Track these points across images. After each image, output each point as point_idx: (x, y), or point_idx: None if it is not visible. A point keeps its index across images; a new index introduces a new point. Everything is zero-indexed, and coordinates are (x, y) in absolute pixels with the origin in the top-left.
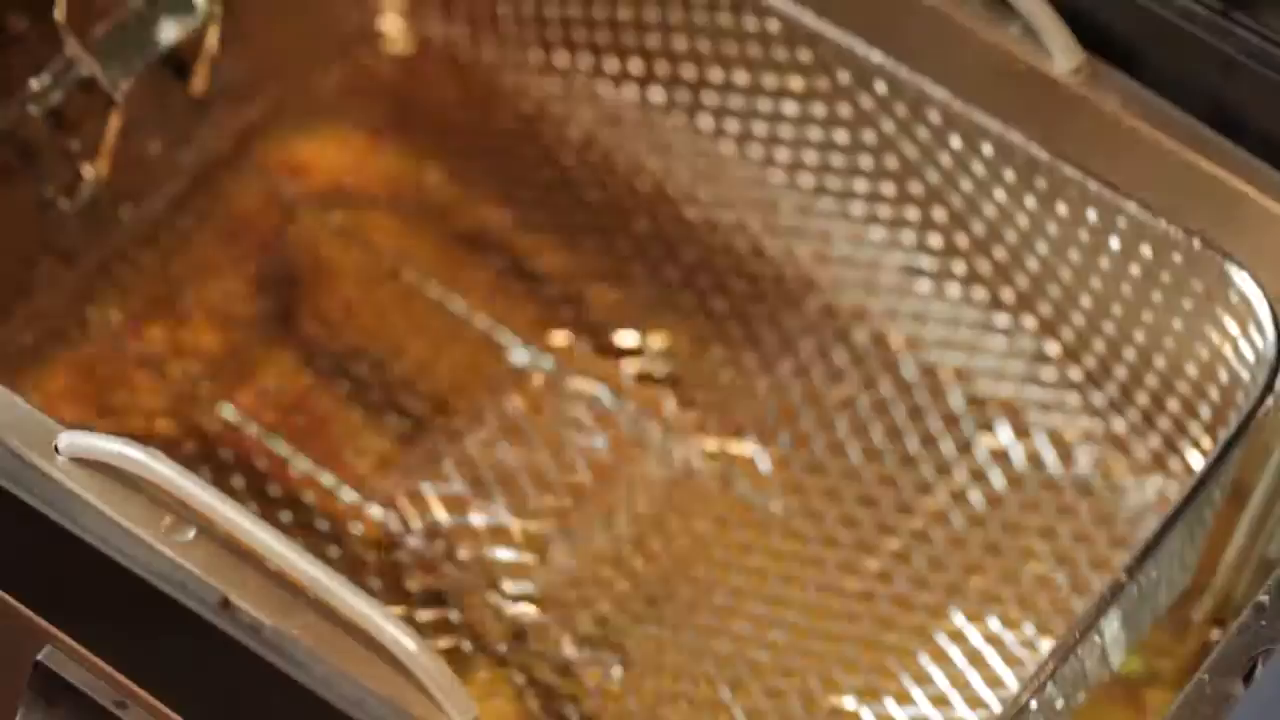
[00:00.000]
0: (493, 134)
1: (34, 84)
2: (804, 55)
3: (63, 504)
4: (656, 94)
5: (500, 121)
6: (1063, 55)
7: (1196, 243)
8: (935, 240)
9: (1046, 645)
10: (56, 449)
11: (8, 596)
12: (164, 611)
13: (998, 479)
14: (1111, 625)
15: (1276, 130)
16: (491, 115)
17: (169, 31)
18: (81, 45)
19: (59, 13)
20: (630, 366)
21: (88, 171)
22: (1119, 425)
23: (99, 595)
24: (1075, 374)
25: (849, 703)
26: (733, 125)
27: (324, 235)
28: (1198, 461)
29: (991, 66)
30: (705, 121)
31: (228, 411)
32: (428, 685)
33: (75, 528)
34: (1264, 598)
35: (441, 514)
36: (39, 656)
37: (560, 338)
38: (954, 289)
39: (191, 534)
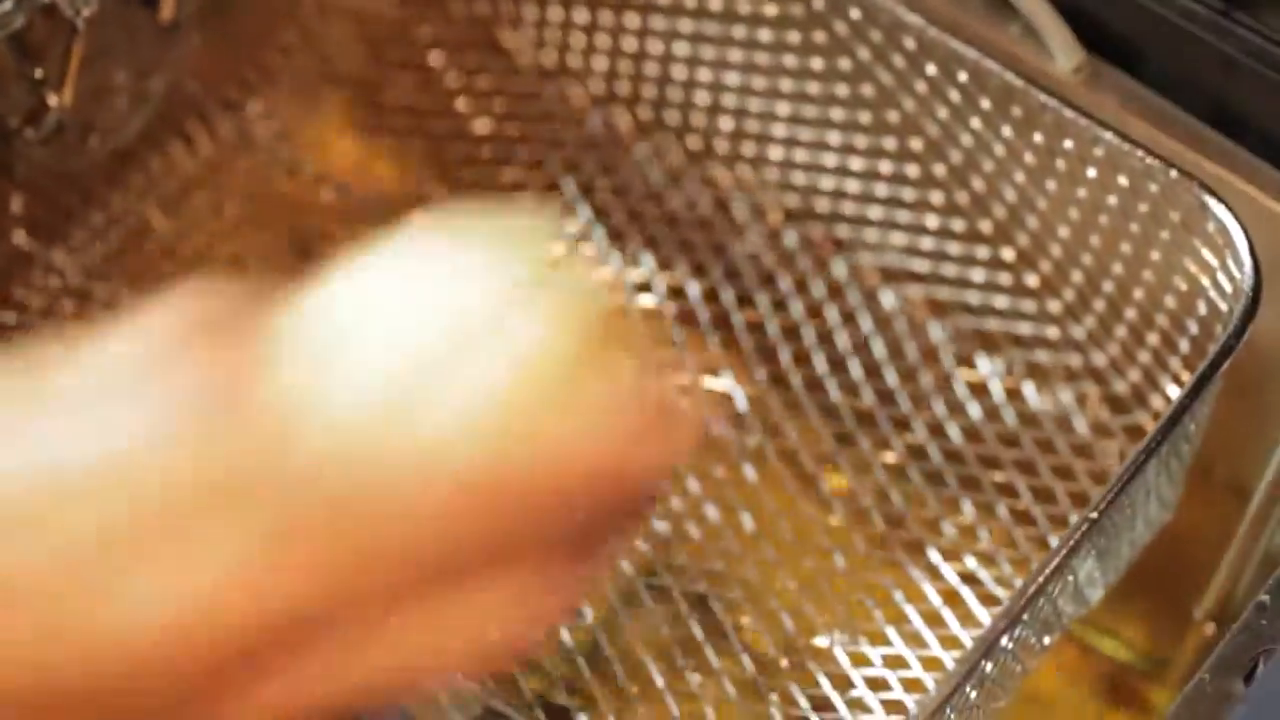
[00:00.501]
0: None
1: None
2: None
3: None
4: (632, 19)
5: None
6: (1063, 55)
7: (1173, 173)
8: (913, 170)
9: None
10: None
11: None
12: None
13: (976, 413)
14: (1085, 562)
15: (1277, 130)
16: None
17: None
18: None
19: None
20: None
21: (52, 100)
22: (1098, 359)
23: None
24: (1054, 306)
25: (822, 641)
26: (708, 52)
27: (304, 177)
28: (1177, 395)
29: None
30: (681, 48)
31: None
32: None
33: None
34: (1265, 597)
35: None
36: None
37: None
38: (932, 220)
39: None
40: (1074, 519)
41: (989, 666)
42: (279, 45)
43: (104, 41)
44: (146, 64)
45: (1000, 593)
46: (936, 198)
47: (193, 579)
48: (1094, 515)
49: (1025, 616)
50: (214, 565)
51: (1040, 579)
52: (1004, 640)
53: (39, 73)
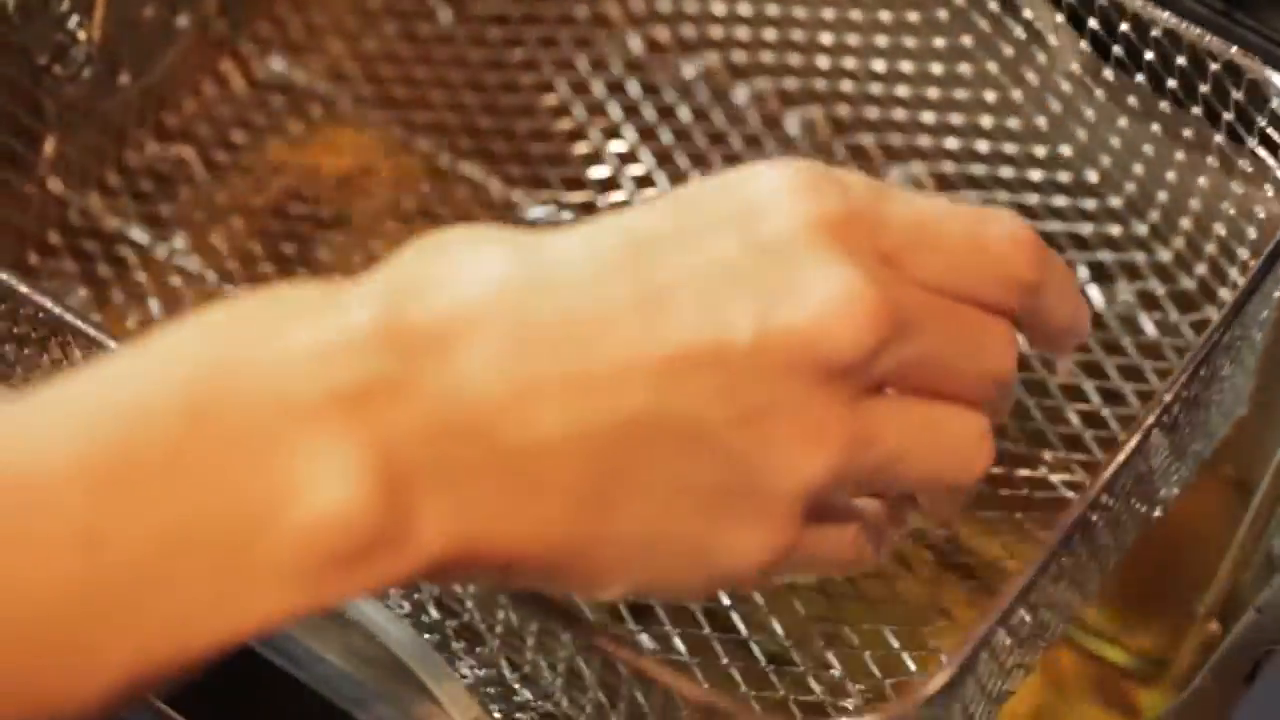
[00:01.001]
0: None
1: None
2: None
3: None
4: None
5: None
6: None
7: (1234, 49)
8: (965, 69)
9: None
10: None
11: None
12: None
13: None
14: (1160, 450)
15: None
16: None
17: None
18: None
19: None
20: None
21: (80, 35)
22: (1164, 254)
23: None
24: (1115, 201)
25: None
26: None
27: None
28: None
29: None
30: None
31: None
32: (429, 684)
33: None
34: (1267, 599)
35: None
36: None
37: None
38: (987, 120)
39: None
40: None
41: (1075, 540)
42: None
43: None
44: None
45: (1073, 496)
46: (991, 97)
47: None
48: (1168, 396)
49: (1107, 499)
50: None
51: (1120, 461)
52: (1093, 515)
53: (65, 5)
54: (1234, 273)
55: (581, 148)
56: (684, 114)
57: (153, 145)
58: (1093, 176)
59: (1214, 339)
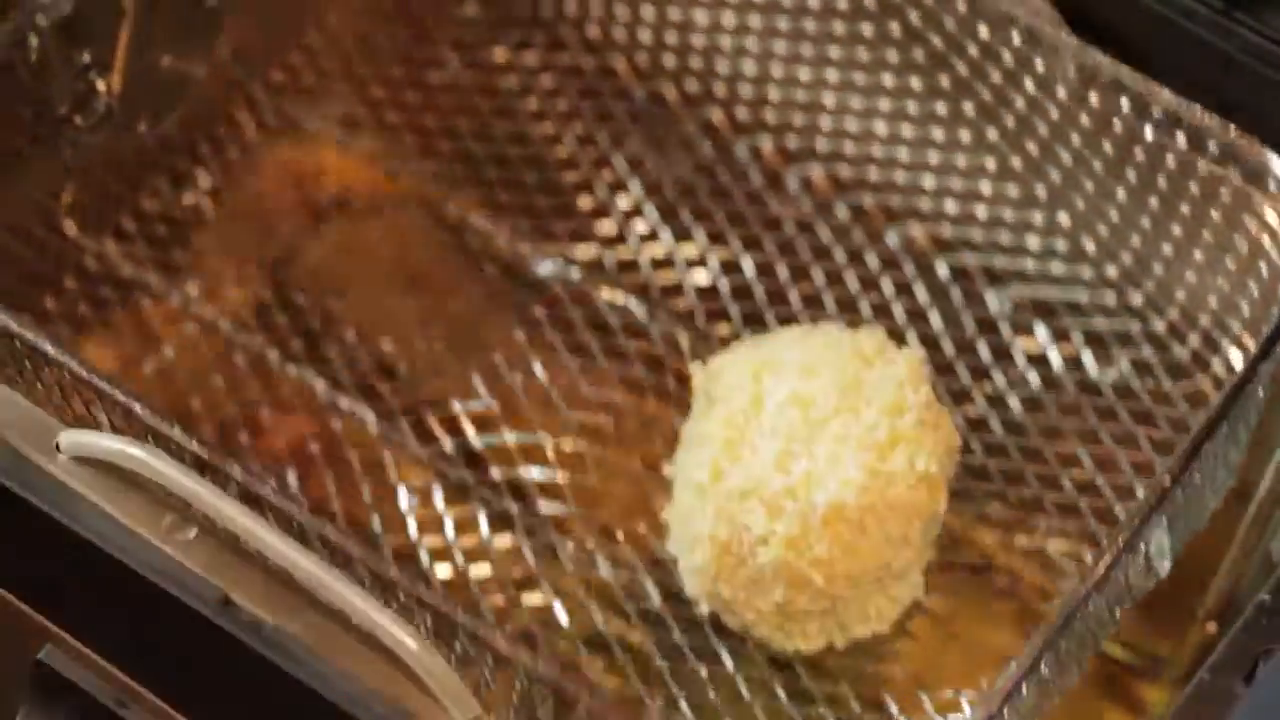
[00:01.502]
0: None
1: None
2: None
3: (63, 502)
4: None
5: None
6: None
7: (1233, 130)
8: (966, 136)
9: (1091, 556)
10: (57, 447)
11: (9, 595)
12: (165, 610)
13: (1036, 382)
14: (1157, 533)
15: (1277, 128)
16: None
17: None
18: None
19: None
20: (661, 278)
21: (100, 85)
22: (1158, 324)
23: (100, 594)
24: (1112, 271)
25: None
26: (754, 21)
27: (337, 239)
28: (1239, 360)
29: None
30: (728, 18)
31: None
32: (429, 684)
33: (76, 526)
34: (1266, 597)
35: (471, 432)
36: (40, 655)
37: (586, 250)
38: (986, 187)
39: (193, 532)
40: (1139, 489)
41: (1063, 643)
42: (319, 26)
43: (148, 24)
44: (189, 47)
45: (1069, 566)
46: (990, 163)
47: None
48: (1166, 483)
49: (1101, 587)
50: None
51: (1118, 547)
52: (1079, 613)
53: (86, 57)
54: (1226, 343)
55: (587, 201)
56: (687, 169)
57: (168, 192)
58: (1090, 246)
59: (1209, 426)
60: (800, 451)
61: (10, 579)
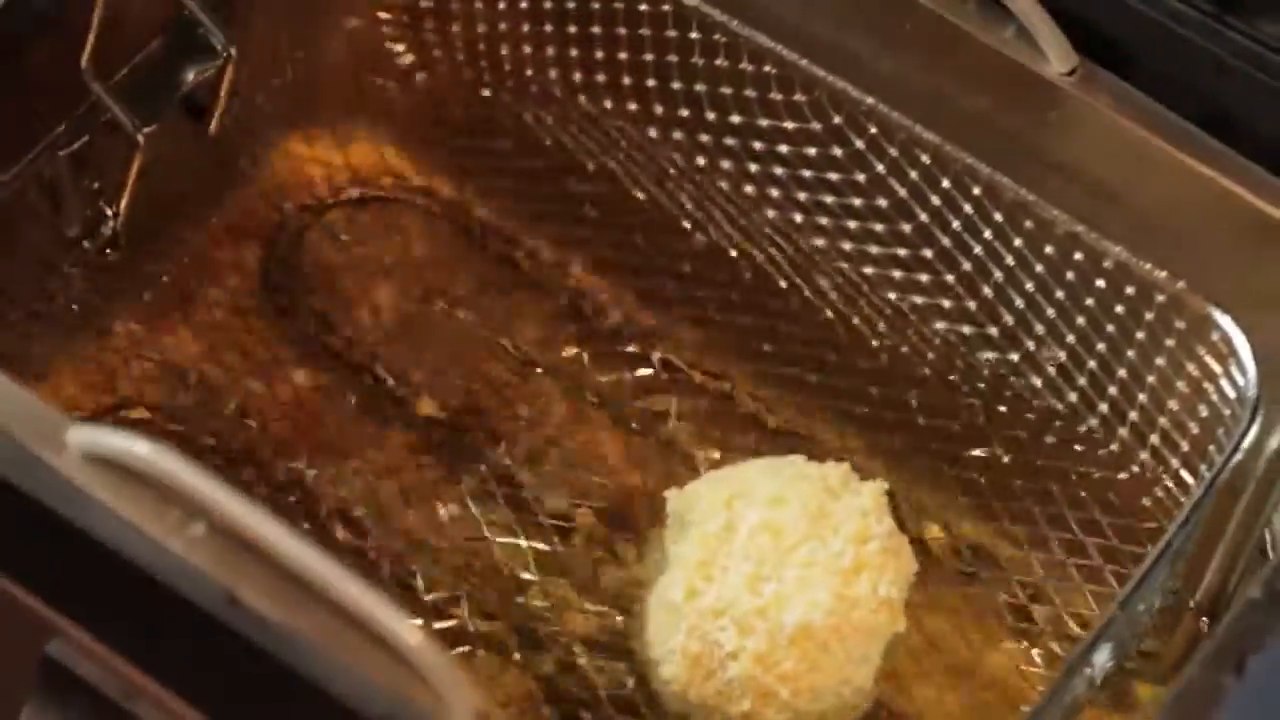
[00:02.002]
0: (495, 151)
1: (60, 129)
2: (799, 96)
3: (71, 499)
4: (654, 130)
5: (503, 135)
6: (1057, 58)
7: (1181, 285)
8: (924, 278)
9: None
10: (65, 444)
11: (17, 589)
12: (173, 606)
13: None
14: (1100, 655)
15: (1267, 132)
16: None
17: (189, 73)
18: (106, 90)
19: (85, 60)
20: (639, 378)
21: (109, 211)
22: (1113, 445)
23: (108, 589)
24: (1060, 408)
25: None
26: (726, 164)
27: (336, 244)
28: (1189, 478)
29: (987, 68)
30: (700, 159)
31: (236, 412)
32: (431, 680)
33: (84, 522)
34: (1256, 593)
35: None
36: (48, 649)
37: (570, 348)
38: (941, 325)
39: (200, 529)
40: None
41: None
42: None
43: (156, 153)
44: (196, 172)
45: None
46: (947, 303)
47: None
48: (1116, 610)
49: (1050, 711)
50: None
51: (1065, 676)
52: None
53: (96, 185)
54: (1176, 464)
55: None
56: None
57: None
58: (1037, 382)
59: (1144, 574)
60: (770, 575)
61: (17, 573)
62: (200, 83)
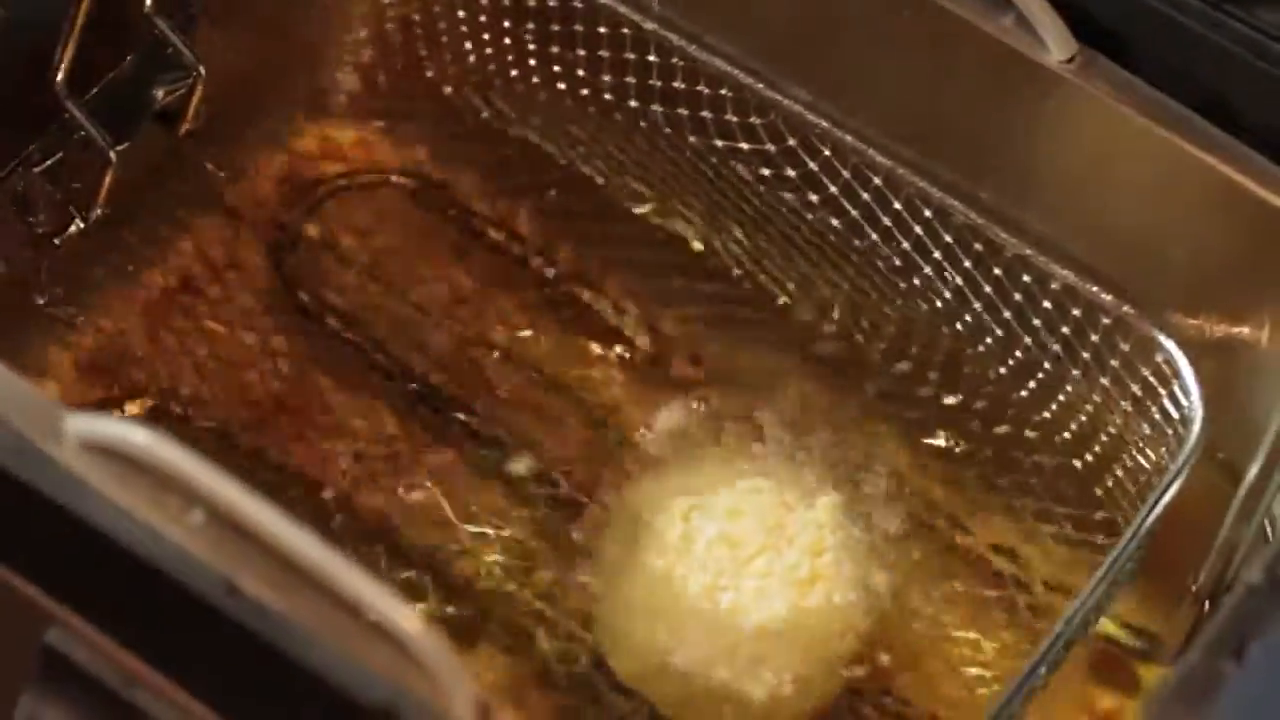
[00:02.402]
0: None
1: (34, 147)
2: (754, 118)
3: (69, 488)
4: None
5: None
6: (1056, 45)
7: (1126, 308)
8: (872, 294)
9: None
10: (63, 433)
11: (15, 578)
12: (172, 595)
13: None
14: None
15: (1268, 120)
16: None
17: (160, 90)
18: (80, 108)
19: (59, 78)
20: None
21: (78, 221)
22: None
23: (107, 578)
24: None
25: None
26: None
27: (322, 232)
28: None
29: (987, 56)
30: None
31: (236, 402)
32: (430, 668)
33: (82, 511)
34: (1257, 578)
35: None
36: (46, 639)
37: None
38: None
39: (199, 518)
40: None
41: None
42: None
43: (129, 165)
44: (167, 180)
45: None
46: (891, 329)
47: None
48: (1047, 645)
49: None
50: None
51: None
52: None
53: (68, 195)
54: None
55: None
56: None
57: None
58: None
59: (1090, 595)
60: (728, 585)
61: (16, 562)
62: (171, 99)
